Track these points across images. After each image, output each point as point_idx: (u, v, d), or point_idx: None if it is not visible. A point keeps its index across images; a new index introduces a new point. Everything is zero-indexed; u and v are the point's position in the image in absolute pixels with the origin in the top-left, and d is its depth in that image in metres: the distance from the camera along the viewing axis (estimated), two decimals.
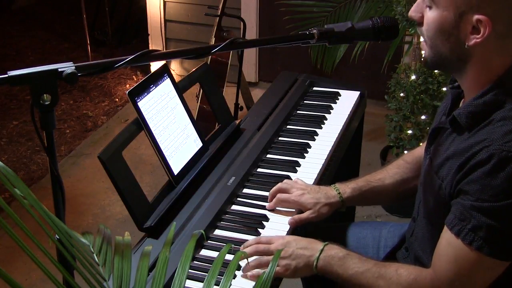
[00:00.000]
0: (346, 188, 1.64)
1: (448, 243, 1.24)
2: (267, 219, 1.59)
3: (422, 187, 1.43)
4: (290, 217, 1.58)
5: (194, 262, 1.44)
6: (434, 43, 1.27)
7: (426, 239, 1.43)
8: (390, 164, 1.71)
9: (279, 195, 1.62)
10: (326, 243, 1.42)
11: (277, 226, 1.57)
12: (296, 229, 1.59)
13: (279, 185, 1.64)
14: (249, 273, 1.38)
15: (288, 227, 1.57)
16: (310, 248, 1.40)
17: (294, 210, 1.62)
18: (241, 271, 1.40)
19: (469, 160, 1.20)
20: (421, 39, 1.33)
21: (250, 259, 1.40)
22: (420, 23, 1.30)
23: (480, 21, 1.18)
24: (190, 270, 1.17)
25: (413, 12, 1.31)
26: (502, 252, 1.19)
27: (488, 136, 1.18)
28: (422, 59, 1.36)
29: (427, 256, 1.40)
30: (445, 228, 1.25)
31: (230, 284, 1.05)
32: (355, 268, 1.35)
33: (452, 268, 1.23)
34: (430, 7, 1.25)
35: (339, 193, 1.62)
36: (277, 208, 1.63)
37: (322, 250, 1.39)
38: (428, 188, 1.37)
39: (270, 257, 1.39)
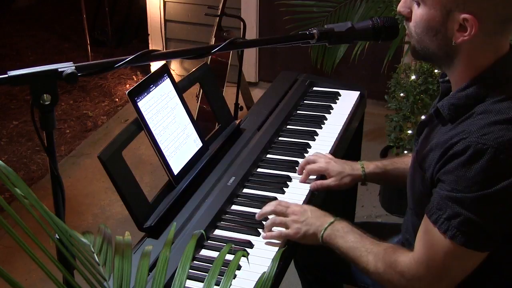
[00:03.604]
0: (370, 165, 1.73)
1: (427, 230, 1.27)
2: (266, 219, 1.59)
3: (409, 179, 1.46)
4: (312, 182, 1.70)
5: (194, 262, 1.44)
6: (422, 38, 1.28)
7: (411, 229, 1.47)
8: None
9: (308, 167, 1.73)
10: (337, 218, 1.50)
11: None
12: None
13: (307, 157, 1.78)
14: (263, 234, 1.51)
15: None
16: (322, 220, 1.49)
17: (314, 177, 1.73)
18: (262, 233, 1.53)
19: (447, 151, 1.22)
20: (407, 31, 1.34)
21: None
22: (408, 18, 1.31)
23: (466, 20, 1.19)
24: (190, 270, 1.17)
25: (401, 8, 1.32)
26: (475, 242, 1.20)
27: (467, 128, 1.20)
28: (410, 48, 1.37)
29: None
30: (425, 215, 1.28)
31: (230, 284, 1.05)
32: (353, 241, 1.42)
33: (428, 254, 1.26)
34: (418, 4, 1.26)
35: (363, 167, 1.71)
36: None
37: (331, 223, 1.48)
38: (414, 180, 1.40)
39: (284, 219, 1.51)
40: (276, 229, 1.52)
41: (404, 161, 1.72)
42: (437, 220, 1.23)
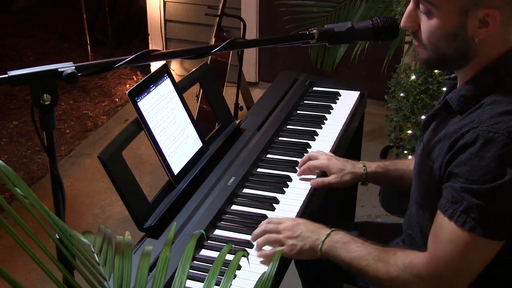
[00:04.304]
0: (372, 164, 1.73)
1: (442, 226, 1.25)
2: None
3: (415, 173, 1.45)
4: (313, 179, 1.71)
5: (194, 262, 1.44)
6: (437, 46, 1.26)
7: (417, 224, 1.46)
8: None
9: (309, 162, 1.75)
10: (333, 229, 1.46)
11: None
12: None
13: (309, 153, 1.79)
14: (258, 253, 1.46)
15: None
16: (317, 232, 1.45)
17: (315, 176, 1.74)
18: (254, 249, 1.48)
19: (457, 141, 1.22)
20: (416, 43, 1.32)
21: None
22: (416, 32, 1.29)
23: (487, 14, 1.18)
24: (190, 270, 1.18)
25: (407, 23, 1.29)
26: (494, 231, 1.20)
27: (477, 118, 1.20)
28: (419, 61, 1.35)
29: (419, 240, 1.44)
30: (438, 212, 1.26)
31: (231, 284, 1.05)
32: (357, 251, 1.39)
33: (447, 250, 1.24)
34: (428, 14, 1.24)
35: (364, 166, 1.71)
36: (303, 176, 1.76)
37: (328, 235, 1.44)
38: (421, 172, 1.39)
39: (278, 236, 1.46)
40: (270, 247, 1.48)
41: (406, 162, 1.72)
42: (453, 214, 1.21)
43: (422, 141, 1.41)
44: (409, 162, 1.72)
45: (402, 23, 1.31)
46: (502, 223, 1.19)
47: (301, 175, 1.75)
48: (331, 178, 1.69)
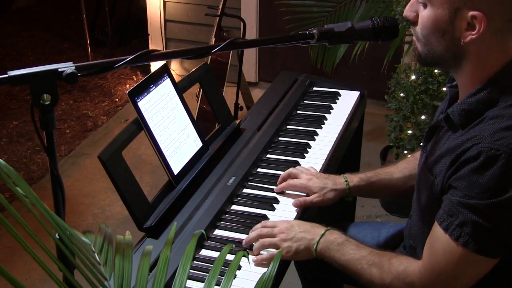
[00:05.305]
0: (354, 178, 1.68)
1: (437, 237, 1.25)
2: (267, 219, 1.59)
3: (417, 184, 1.45)
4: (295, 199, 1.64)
5: (194, 262, 1.44)
6: (429, 41, 1.27)
7: (418, 236, 1.45)
8: (401, 160, 1.73)
9: (288, 180, 1.69)
10: (328, 228, 1.45)
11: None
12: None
13: (290, 169, 1.71)
14: (253, 258, 1.44)
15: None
16: (312, 232, 1.45)
17: (304, 194, 1.67)
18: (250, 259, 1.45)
19: (459, 157, 1.21)
20: (414, 37, 1.34)
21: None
22: (415, 22, 1.30)
23: (475, 17, 1.18)
24: (190, 270, 1.17)
25: (408, 12, 1.31)
26: (488, 249, 1.19)
27: (479, 133, 1.19)
28: (415, 55, 1.36)
29: (420, 251, 1.42)
30: (435, 222, 1.26)
31: (231, 284, 1.05)
32: (351, 254, 1.39)
33: (439, 262, 1.24)
34: (424, 6, 1.25)
35: (347, 181, 1.67)
36: (286, 192, 1.69)
37: (323, 235, 1.44)
38: (422, 185, 1.39)
39: (273, 239, 1.45)
40: (267, 251, 1.47)
41: (389, 171, 1.70)
42: (449, 227, 1.21)
43: (426, 152, 1.40)
44: (392, 170, 1.70)
45: (404, 13, 1.32)
46: (496, 241, 1.18)
47: (279, 190, 1.68)
48: (313, 197, 1.64)
